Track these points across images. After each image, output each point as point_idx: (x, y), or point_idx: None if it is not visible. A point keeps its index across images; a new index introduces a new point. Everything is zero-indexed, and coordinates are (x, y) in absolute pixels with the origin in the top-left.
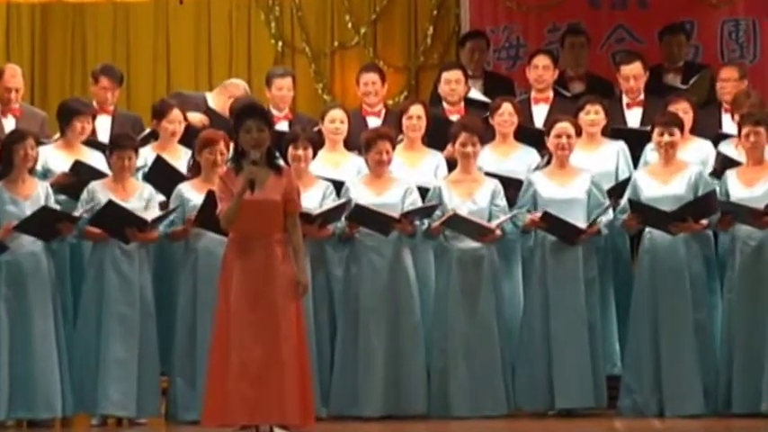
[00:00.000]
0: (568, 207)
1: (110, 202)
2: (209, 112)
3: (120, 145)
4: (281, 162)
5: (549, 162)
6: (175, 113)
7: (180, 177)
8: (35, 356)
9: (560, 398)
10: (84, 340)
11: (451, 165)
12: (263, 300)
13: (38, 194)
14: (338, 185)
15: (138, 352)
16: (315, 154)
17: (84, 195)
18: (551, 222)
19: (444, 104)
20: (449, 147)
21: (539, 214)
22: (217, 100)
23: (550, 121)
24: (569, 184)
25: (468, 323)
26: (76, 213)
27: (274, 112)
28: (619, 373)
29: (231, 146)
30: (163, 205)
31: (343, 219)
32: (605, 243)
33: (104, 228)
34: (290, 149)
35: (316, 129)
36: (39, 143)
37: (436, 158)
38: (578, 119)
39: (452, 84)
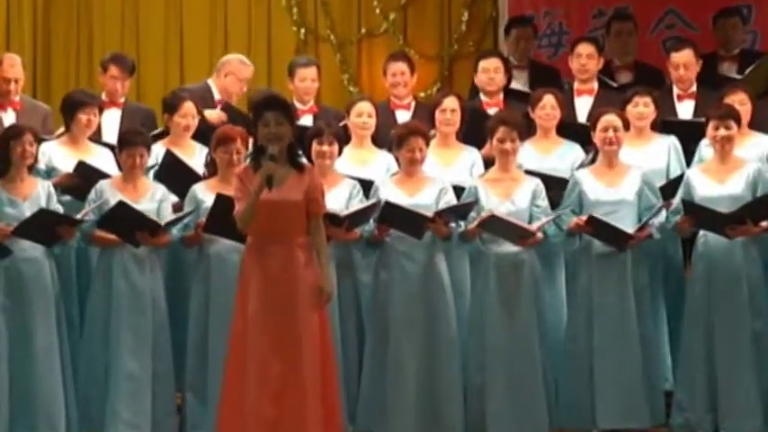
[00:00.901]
0: (617, 208)
1: (120, 203)
2: (226, 107)
3: (131, 141)
4: (304, 160)
5: (594, 159)
6: (188, 107)
7: (192, 175)
8: (37, 371)
9: (606, 417)
10: (91, 353)
11: (488, 163)
12: (283, 309)
13: (38, 194)
14: (365, 185)
15: (152, 366)
16: (341, 150)
17: (92, 195)
18: (598, 227)
19: (482, 96)
20: (487, 146)
21: (584, 218)
22: (216, 83)
23: (595, 115)
24: (618, 183)
25: (507, 335)
26: (80, 215)
27: (298, 105)
28: (670, 389)
29: (251, 143)
30: (176, 207)
31: (371, 220)
32: (656, 248)
33: (113, 230)
34: (314, 145)
35: (341, 123)
36: (39, 139)
37: (472, 155)
38: (625, 112)
39: (491, 73)
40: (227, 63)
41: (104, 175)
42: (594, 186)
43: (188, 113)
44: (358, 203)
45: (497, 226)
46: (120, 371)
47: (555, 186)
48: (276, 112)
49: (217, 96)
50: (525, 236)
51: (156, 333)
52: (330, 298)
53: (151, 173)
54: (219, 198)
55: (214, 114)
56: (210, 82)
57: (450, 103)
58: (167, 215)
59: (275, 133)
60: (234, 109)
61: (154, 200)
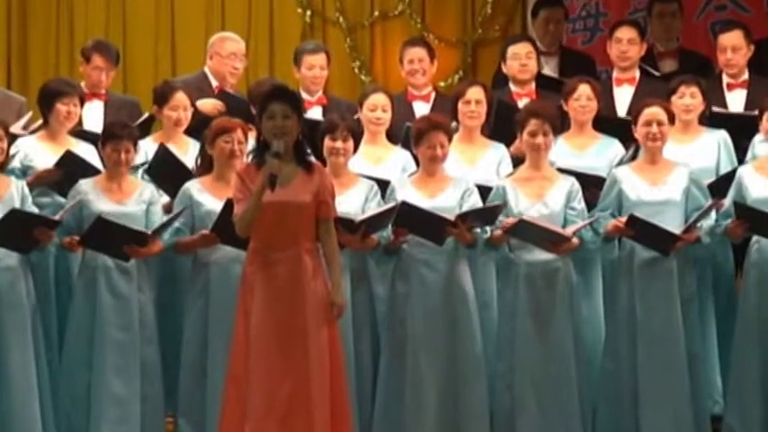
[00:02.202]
0: (661, 210)
1: (100, 219)
2: (222, 94)
3: (116, 135)
4: (313, 158)
5: (635, 155)
6: (179, 98)
7: (188, 174)
8: (12, 393)
9: None
10: (72, 373)
11: (517, 161)
12: (289, 324)
13: (10, 195)
14: (380, 186)
15: (140, 388)
16: (356, 147)
17: (71, 194)
18: (640, 228)
19: (511, 86)
20: (516, 142)
21: (624, 218)
22: (210, 69)
23: (637, 107)
24: (662, 181)
25: (540, 353)
26: (58, 216)
27: (305, 95)
28: (720, 413)
29: (251, 137)
30: (167, 208)
31: (389, 226)
32: (705, 254)
33: (97, 248)
34: (327, 140)
35: (354, 117)
36: (10, 134)
37: (499, 152)
38: (670, 103)
39: (522, 59)
40: (210, 45)
41: (93, 168)
42: (636, 185)
43: (180, 105)
44: (375, 207)
45: (527, 231)
46: (104, 393)
47: (591, 186)
48: (283, 104)
49: (214, 83)
50: (559, 241)
51: (145, 351)
52: (342, 312)
53: (140, 172)
54: (229, 204)
55: (208, 104)
56: (207, 70)
57: (475, 93)
58: (157, 220)
59: (281, 127)
60: (231, 96)
61: (141, 201)
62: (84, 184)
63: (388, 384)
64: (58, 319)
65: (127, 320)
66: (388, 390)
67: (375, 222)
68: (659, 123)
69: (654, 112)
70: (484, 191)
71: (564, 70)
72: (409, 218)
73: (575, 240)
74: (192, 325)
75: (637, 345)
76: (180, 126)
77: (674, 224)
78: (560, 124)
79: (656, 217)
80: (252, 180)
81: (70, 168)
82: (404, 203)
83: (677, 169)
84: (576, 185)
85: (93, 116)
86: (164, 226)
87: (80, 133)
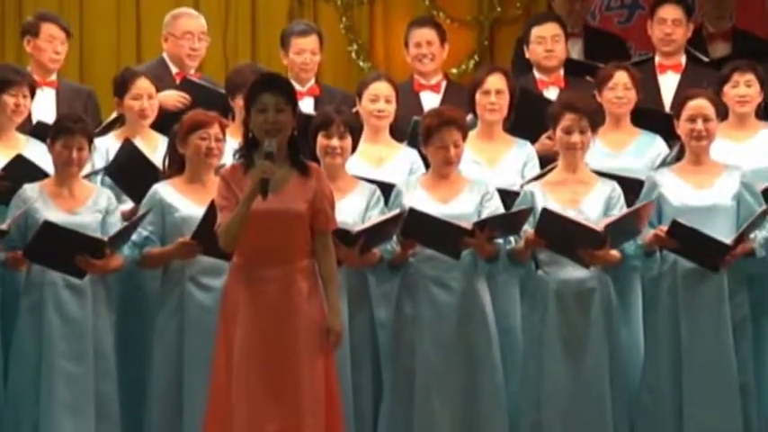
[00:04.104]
0: (709, 217)
1: (45, 226)
2: (185, 83)
3: (66, 129)
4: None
5: (680, 155)
6: (141, 84)
7: (157, 175)
8: None
9: None
10: (16, 409)
11: (544, 161)
12: (279, 352)
13: None
14: (383, 190)
15: (95, 427)
16: (355, 145)
17: (15, 201)
18: (684, 237)
19: (535, 73)
20: (543, 138)
21: (665, 228)
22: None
23: (682, 98)
24: (710, 184)
25: (571, 385)
26: (4, 226)
27: (294, 85)
28: None
29: (229, 135)
30: (129, 216)
31: (394, 237)
32: (759, 269)
33: (43, 262)
34: (321, 138)
35: (352, 110)
36: None
37: (524, 151)
38: (722, 94)
39: (548, 43)
40: (164, 25)
41: (45, 174)
42: (679, 189)
43: (142, 93)
44: (378, 216)
45: (552, 228)
46: None
47: (629, 190)
48: (275, 95)
49: (174, 70)
50: (593, 247)
51: (101, 386)
52: (340, 339)
53: (99, 177)
54: (213, 207)
55: (171, 98)
56: (165, 55)
57: (496, 82)
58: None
59: (274, 122)
60: (197, 85)
61: (96, 210)
62: (30, 190)
63: (392, 423)
64: (2, 345)
65: (79, 350)
66: (392, 429)
67: (376, 233)
68: (705, 119)
69: (699, 105)
70: (505, 196)
71: (589, 53)
72: (418, 227)
73: (615, 253)
74: (163, 354)
75: (681, 376)
76: (145, 117)
77: (722, 234)
78: (602, 118)
79: (704, 225)
80: (239, 184)
81: (20, 176)
82: (412, 210)
83: (726, 171)
84: (618, 191)
85: (44, 107)
86: (124, 231)
87: (35, 130)
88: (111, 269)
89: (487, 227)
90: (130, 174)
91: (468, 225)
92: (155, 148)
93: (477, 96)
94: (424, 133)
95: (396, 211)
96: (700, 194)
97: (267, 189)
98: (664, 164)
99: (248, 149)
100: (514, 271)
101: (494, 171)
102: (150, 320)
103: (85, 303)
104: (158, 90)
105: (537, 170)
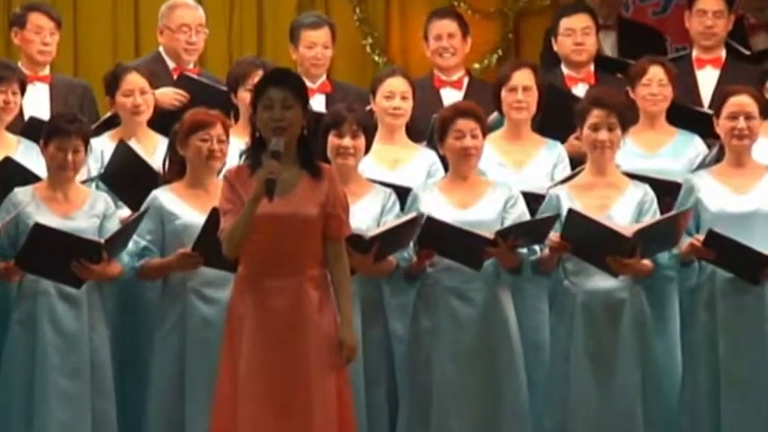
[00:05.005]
0: (749, 224)
1: (37, 229)
2: (182, 79)
3: (61, 130)
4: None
5: (720, 157)
6: (132, 79)
7: (156, 179)
8: None
9: None
10: (8, 427)
11: (575, 162)
12: (288, 367)
13: None
14: (399, 194)
15: None
16: (369, 145)
17: (4, 206)
18: (722, 248)
19: (563, 68)
20: (571, 138)
21: (702, 237)
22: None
23: (722, 95)
24: (751, 188)
25: (599, 403)
26: None
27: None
28: None
29: (233, 135)
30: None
31: (411, 244)
32: None
33: (37, 270)
34: (332, 138)
35: (366, 108)
36: None
37: (554, 152)
38: (764, 90)
39: (577, 36)
40: (159, 17)
41: (36, 177)
42: (718, 194)
43: (134, 89)
44: (393, 220)
45: (578, 231)
46: None
47: (664, 194)
48: (283, 90)
49: (171, 65)
50: (622, 253)
51: (99, 404)
52: (353, 353)
53: (94, 184)
54: (214, 214)
55: (167, 95)
56: (161, 49)
57: (523, 78)
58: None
59: (281, 120)
60: (196, 81)
61: (93, 215)
62: (21, 194)
63: None
64: None
65: (75, 365)
66: None
67: (392, 239)
68: (747, 117)
69: (740, 102)
70: (531, 200)
71: (623, 47)
72: (436, 236)
73: (646, 263)
74: (163, 370)
75: (720, 395)
76: (139, 114)
77: (765, 243)
78: (634, 116)
79: (743, 233)
80: (244, 186)
81: (9, 180)
82: (429, 219)
83: None
84: (651, 195)
85: (36, 103)
86: (122, 232)
87: (27, 127)
88: (110, 275)
89: (511, 235)
90: (126, 179)
91: (489, 234)
92: (153, 149)
93: (503, 94)
94: (439, 128)
95: (412, 214)
96: (740, 199)
97: (273, 190)
98: (702, 166)
99: (255, 150)
100: (541, 282)
101: (521, 174)
102: (150, 333)
103: (81, 315)
104: (154, 87)
105: (567, 170)
